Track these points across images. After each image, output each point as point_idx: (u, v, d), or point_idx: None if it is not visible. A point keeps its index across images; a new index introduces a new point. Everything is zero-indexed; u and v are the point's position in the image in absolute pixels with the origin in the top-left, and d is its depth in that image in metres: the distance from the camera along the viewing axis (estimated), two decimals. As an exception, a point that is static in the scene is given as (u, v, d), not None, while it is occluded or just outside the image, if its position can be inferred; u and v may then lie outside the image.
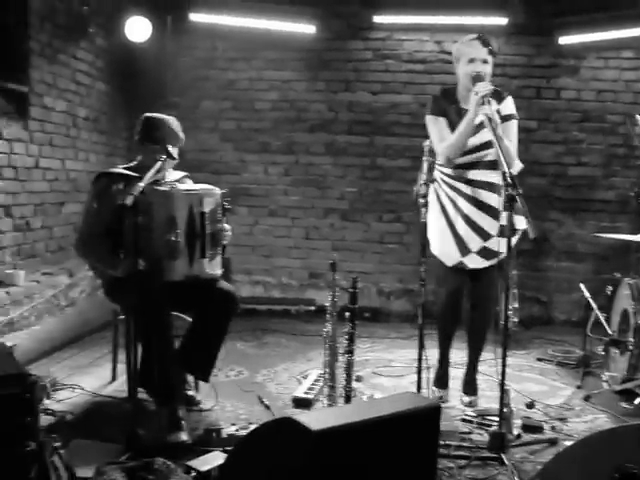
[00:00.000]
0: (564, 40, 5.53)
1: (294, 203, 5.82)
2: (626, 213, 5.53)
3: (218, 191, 3.23)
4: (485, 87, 3.04)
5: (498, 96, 3.28)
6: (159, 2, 5.40)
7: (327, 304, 3.27)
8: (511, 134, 3.31)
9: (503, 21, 5.49)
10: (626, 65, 5.64)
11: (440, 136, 3.32)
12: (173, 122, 3.30)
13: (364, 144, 5.75)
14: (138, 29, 5.19)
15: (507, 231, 2.70)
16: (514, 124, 3.34)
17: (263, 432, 1.98)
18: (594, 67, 5.66)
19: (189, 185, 3.39)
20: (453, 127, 3.27)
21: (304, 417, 1.89)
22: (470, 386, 3.61)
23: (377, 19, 5.58)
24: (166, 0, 5.47)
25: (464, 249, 3.37)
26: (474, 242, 3.35)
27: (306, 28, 5.53)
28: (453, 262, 3.41)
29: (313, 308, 3.35)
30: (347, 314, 3.17)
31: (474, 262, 3.40)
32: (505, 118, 3.30)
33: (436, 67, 5.61)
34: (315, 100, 5.75)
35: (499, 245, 3.20)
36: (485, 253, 3.36)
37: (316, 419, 1.88)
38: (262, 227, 5.86)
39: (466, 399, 3.56)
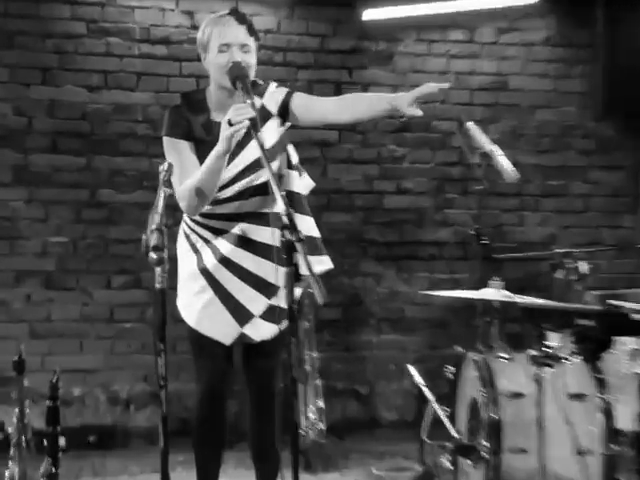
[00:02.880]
0: (369, 14, 5.73)
1: (-37, 263, 5.49)
2: (467, 259, 5.82)
3: None
4: (240, 113, 3.00)
5: (258, 90, 3.41)
6: None
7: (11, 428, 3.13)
8: (312, 100, 3.49)
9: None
10: (456, 51, 6.00)
11: (181, 171, 3.27)
12: None
13: (78, 167, 5.62)
14: None
15: (288, 296, 2.74)
16: (300, 95, 3.49)
17: None
18: (412, 53, 5.97)
19: None
20: (202, 150, 3.30)
21: None
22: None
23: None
24: None
25: (243, 315, 3.42)
26: (256, 302, 3.42)
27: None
28: (231, 339, 3.44)
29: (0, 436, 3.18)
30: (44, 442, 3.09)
31: (261, 331, 3.45)
32: (284, 103, 3.43)
33: (186, 51, 5.60)
34: (-6, 98, 5.53)
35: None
36: (272, 314, 3.40)
37: None
38: None
39: None
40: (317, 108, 3.42)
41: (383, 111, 3.33)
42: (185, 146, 3.34)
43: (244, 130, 3.03)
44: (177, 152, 3.33)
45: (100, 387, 5.65)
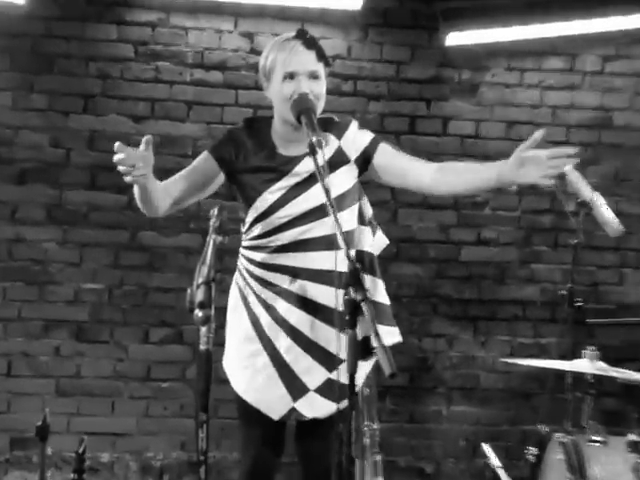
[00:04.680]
0: (453, 39, 5.64)
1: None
2: (555, 322, 5.65)
3: None
4: (133, 171, 3.04)
5: (336, 128, 3.44)
6: None
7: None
8: (403, 161, 3.43)
9: (356, 3, 5.50)
10: (552, 81, 5.86)
11: (175, 176, 3.44)
12: None
13: (118, 206, 5.57)
14: None
15: (349, 365, 2.62)
16: (387, 149, 3.44)
17: None
18: (501, 84, 5.88)
19: None
20: (262, 176, 3.35)
21: None
22: None
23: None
24: None
25: (298, 388, 3.40)
26: (314, 374, 3.40)
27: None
28: (280, 414, 3.42)
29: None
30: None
31: (315, 408, 3.41)
32: (367, 154, 3.41)
33: (244, 77, 5.62)
34: (26, 126, 5.52)
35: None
36: (330, 390, 3.34)
37: None
38: None
39: None
40: (408, 174, 3.39)
41: (487, 185, 3.31)
42: (208, 165, 3.39)
43: (306, 174, 3.19)
44: (195, 163, 3.42)
45: (132, 453, 5.58)
